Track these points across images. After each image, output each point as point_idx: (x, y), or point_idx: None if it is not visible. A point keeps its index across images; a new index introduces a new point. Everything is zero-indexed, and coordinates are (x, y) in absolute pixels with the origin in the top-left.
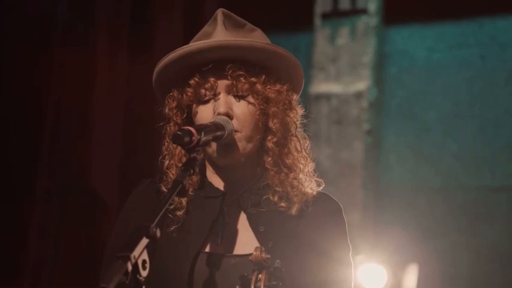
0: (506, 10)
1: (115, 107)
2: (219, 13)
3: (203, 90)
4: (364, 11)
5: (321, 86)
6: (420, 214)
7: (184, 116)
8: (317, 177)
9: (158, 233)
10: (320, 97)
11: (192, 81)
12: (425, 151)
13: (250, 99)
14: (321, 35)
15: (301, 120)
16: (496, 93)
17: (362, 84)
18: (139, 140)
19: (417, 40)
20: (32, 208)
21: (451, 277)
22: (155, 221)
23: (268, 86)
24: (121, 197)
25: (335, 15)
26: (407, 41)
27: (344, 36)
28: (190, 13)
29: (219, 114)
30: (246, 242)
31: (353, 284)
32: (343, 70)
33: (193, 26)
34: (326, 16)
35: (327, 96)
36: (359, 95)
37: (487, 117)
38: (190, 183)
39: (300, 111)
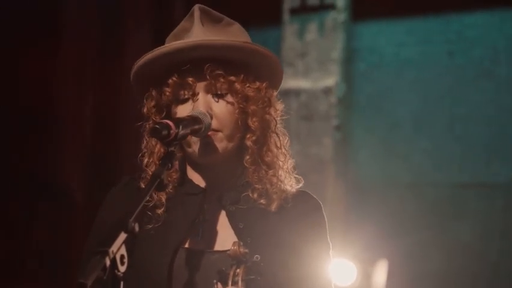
0: (473, 6)
1: (84, 108)
2: (196, 8)
3: (181, 90)
4: (332, 7)
5: (290, 82)
6: (390, 210)
7: (163, 115)
8: (296, 174)
9: (136, 228)
10: (288, 93)
11: (170, 81)
12: (395, 147)
13: (229, 98)
14: (289, 30)
15: (280, 116)
16: (465, 90)
17: (330, 79)
18: (107, 140)
19: (385, 36)
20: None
21: (420, 273)
22: (134, 216)
23: (247, 85)
24: (89, 195)
25: (303, 10)
26: (375, 37)
27: (312, 31)
28: (159, 18)
29: None
30: (225, 238)
31: (332, 281)
32: (311, 66)
33: (162, 30)
34: (294, 11)
35: (296, 92)
36: (327, 91)
37: (456, 114)
38: (169, 180)
39: (280, 107)
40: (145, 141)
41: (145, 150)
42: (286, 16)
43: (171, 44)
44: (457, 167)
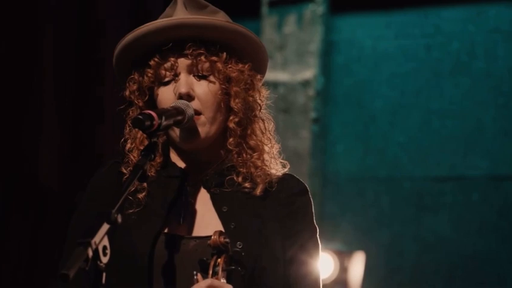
0: (451, 0)
1: (62, 100)
2: None
3: (163, 71)
4: None
5: (268, 74)
6: (366, 203)
7: (146, 98)
8: (282, 158)
9: (119, 219)
10: (266, 85)
11: (151, 62)
12: (372, 141)
13: (212, 78)
14: (268, 22)
15: (265, 101)
16: (441, 84)
17: (308, 72)
18: (84, 132)
19: (364, 29)
20: None
21: (397, 266)
22: (117, 207)
23: (230, 65)
24: (66, 184)
25: (281, 2)
26: (354, 30)
27: (290, 24)
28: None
29: (180, 94)
30: (208, 222)
31: (319, 264)
32: (290, 58)
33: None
34: (272, 4)
35: (274, 85)
36: (305, 84)
37: (432, 107)
38: (152, 164)
39: (265, 92)
40: (127, 127)
41: (127, 135)
42: (264, 8)
43: (151, 23)
44: (433, 161)
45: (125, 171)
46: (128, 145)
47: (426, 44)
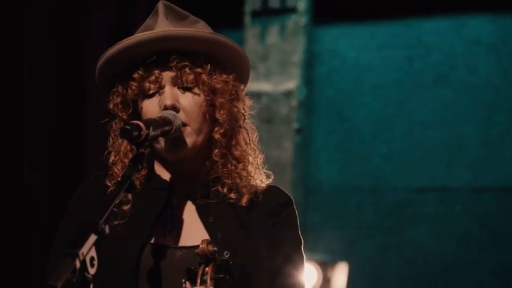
0: (432, 12)
1: (46, 108)
2: (160, 5)
3: (147, 84)
4: (294, 10)
5: (251, 85)
6: (349, 214)
7: (130, 111)
8: (265, 169)
9: (107, 229)
10: (249, 95)
11: (135, 75)
12: (354, 151)
13: (196, 90)
14: (250, 33)
15: (249, 111)
16: (423, 95)
17: (291, 83)
18: (69, 140)
19: (346, 40)
20: None
21: (380, 277)
22: (104, 217)
23: (214, 77)
24: (51, 194)
25: (264, 13)
26: (336, 41)
27: (273, 34)
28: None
29: (165, 106)
30: (194, 233)
31: (303, 276)
32: (273, 69)
33: (124, 31)
34: (255, 14)
35: (257, 95)
36: (288, 94)
37: (414, 119)
38: (137, 176)
39: (248, 102)
40: (111, 140)
41: (111, 148)
42: (247, 19)
43: (134, 36)
44: (415, 172)
45: (109, 183)
46: (112, 157)
47: (408, 56)
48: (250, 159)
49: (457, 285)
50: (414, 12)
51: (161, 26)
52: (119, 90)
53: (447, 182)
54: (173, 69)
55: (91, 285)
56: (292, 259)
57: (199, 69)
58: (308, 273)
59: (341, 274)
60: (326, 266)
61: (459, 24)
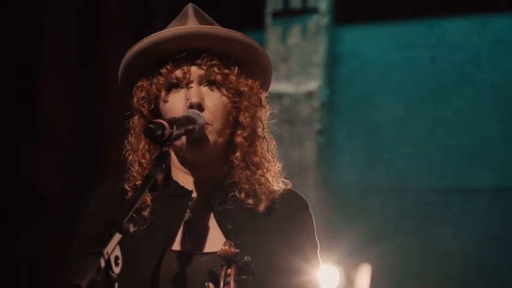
0: (455, 12)
1: (65, 113)
2: (189, 7)
3: (175, 79)
4: (315, 10)
5: (272, 86)
6: (372, 215)
7: (152, 107)
8: (287, 170)
9: (131, 228)
10: (270, 97)
11: (163, 70)
12: (377, 152)
13: (223, 91)
14: (272, 34)
15: (267, 120)
16: (446, 95)
17: (313, 83)
18: (85, 143)
19: (368, 40)
20: None
21: (402, 278)
22: (128, 216)
23: (241, 80)
24: (69, 201)
25: (286, 14)
26: (358, 41)
27: (295, 35)
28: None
29: (191, 103)
30: (214, 240)
31: (320, 281)
32: (294, 69)
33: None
34: (276, 15)
35: (278, 96)
36: (310, 95)
37: (437, 119)
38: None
39: (269, 110)
40: (129, 137)
41: (128, 147)
42: (269, 20)
43: (168, 30)
44: (438, 172)
45: (127, 187)
46: (130, 157)
47: (431, 55)
48: (269, 166)
49: (480, 286)
50: (436, 12)
51: (192, 25)
52: (144, 84)
53: (470, 182)
54: (202, 67)
55: (116, 285)
56: (309, 262)
57: (227, 70)
58: (331, 274)
59: (364, 275)
60: (348, 268)
61: (482, 23)
